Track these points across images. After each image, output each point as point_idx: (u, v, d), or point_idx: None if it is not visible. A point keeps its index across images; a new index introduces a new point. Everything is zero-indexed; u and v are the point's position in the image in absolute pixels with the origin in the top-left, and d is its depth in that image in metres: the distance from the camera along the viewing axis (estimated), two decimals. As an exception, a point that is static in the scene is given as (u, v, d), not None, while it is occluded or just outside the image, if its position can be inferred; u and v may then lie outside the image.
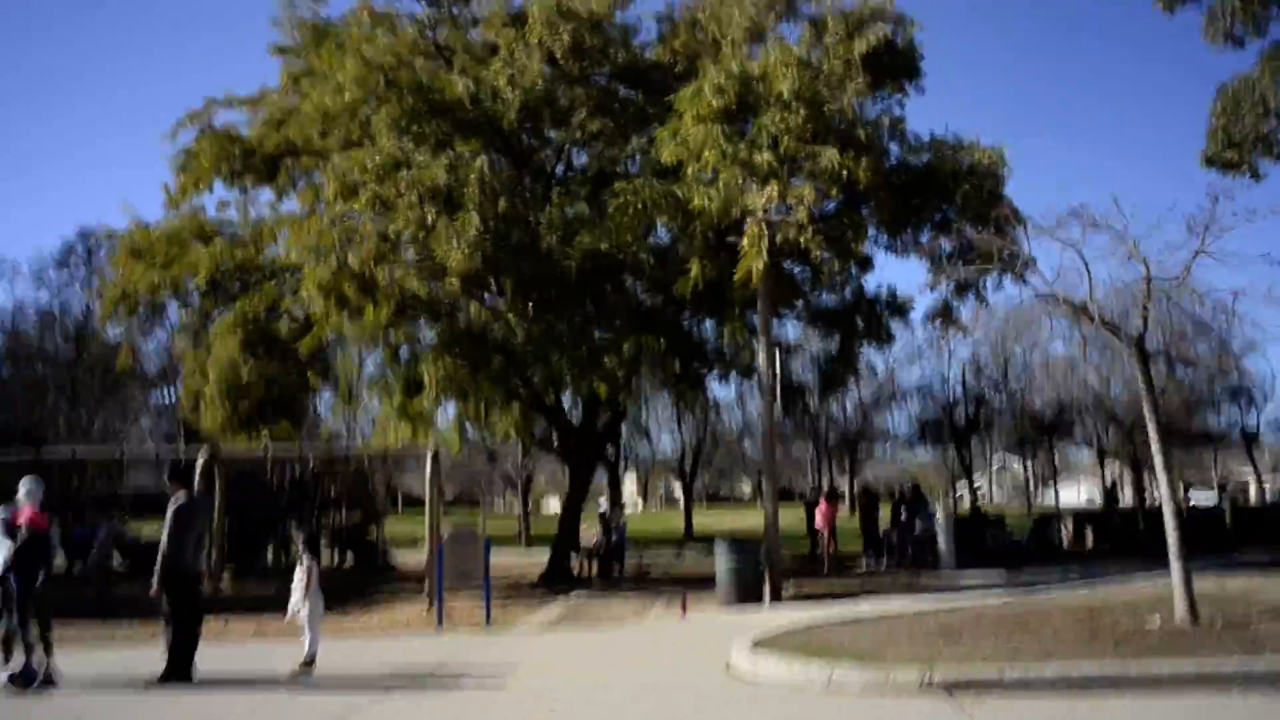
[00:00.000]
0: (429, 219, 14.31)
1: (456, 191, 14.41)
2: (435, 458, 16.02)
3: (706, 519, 39.56)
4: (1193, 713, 6.14)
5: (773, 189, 13.41)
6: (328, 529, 22.23)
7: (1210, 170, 16.68)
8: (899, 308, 19.25)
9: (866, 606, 11.74)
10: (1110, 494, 29.71)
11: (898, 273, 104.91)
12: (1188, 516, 24.69)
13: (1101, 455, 36.58)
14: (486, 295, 17.05)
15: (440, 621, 11.59)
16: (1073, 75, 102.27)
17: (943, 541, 17.22)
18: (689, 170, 14.44)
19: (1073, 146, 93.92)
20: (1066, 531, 23.15)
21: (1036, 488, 52.98)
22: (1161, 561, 16.71)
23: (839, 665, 7.33)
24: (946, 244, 15.85)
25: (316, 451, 20.39)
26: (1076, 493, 56.30)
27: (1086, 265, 8.89)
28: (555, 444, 21.41)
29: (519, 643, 10.61)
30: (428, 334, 17.61)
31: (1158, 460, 9.16)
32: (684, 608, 12.47)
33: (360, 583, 18.16)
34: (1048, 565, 17.49)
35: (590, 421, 20.24)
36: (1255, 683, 6.51)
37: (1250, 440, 38.55)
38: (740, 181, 13.82)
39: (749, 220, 13.59)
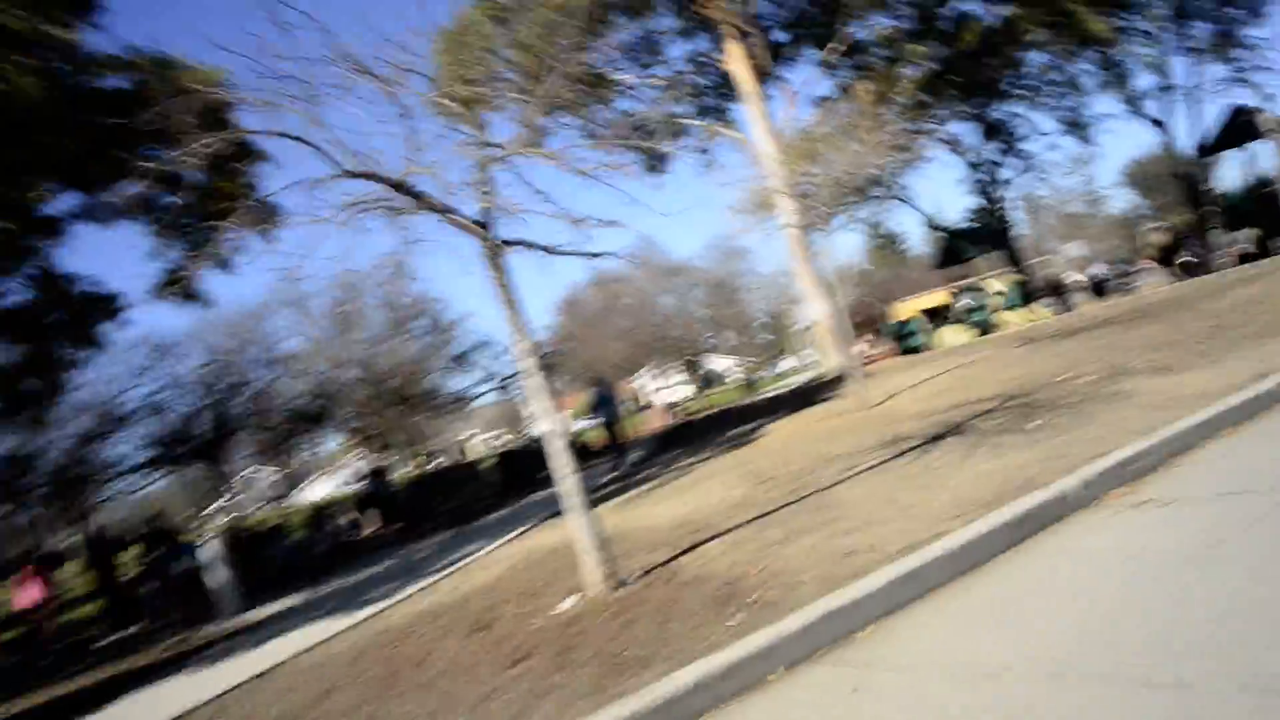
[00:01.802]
0: None
1: None
2: None
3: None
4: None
5: None
6: None
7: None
8: (109, 305, 14.55)
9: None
10: (379, 473, 28.20)
11: (102, 259, 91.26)
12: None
13: (361, 436, 35.41)
14: None
15: None
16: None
17: (217, 579, 13.17)
18: None
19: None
20: (350, 521, 20.86)
21: (289, 490, 50.50)
22: (470, 526, 15.70)
23: None
24: (173, 196, 11.98)
25: None
26: (332, 485, 55.43)
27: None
28: None
29: None
30: None
31: (537, 395, 6.64)
32: None
33: None
34: (354, 564, 14.64)
35: None
36: (794, 657, 4.24)
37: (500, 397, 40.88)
38: None
39: None
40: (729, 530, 7.10)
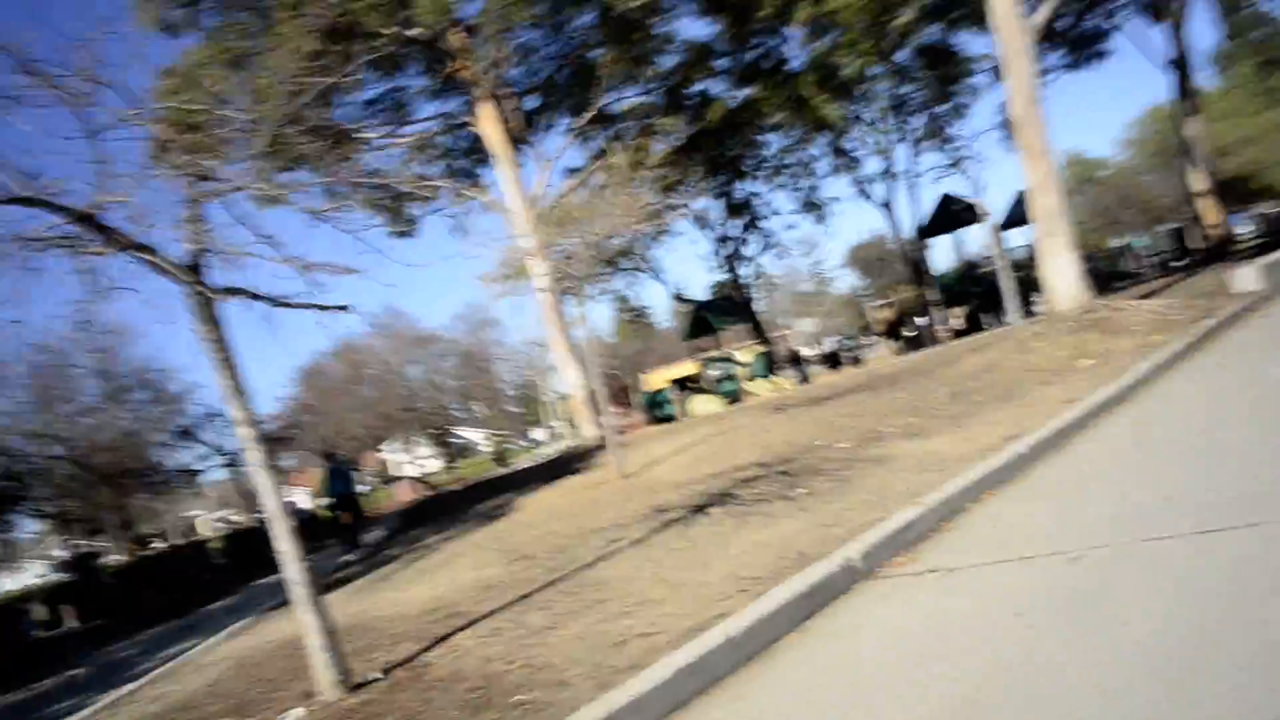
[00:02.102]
0: None
1: None
2: None
3: None
4: None
5: None
6: None
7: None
8: None
9: None
10: (83, 560, 25.02)
11: None
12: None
13: (63, 519, 31.44)
14: None
15: None
16: None
17: None
18: None
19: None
20: (45, 617, 18.17)
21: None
22: (190, 617, 13.96)
23: None
24: None
25: None
26: (26, 577, 49.02)
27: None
28: None
29: None
30: None
31: (258, 470, 5.67)
32: None
33: None
34: (44, 670, 12.55)
35: None
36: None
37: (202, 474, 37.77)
38: None
39: None
40: (484, 616, 6.37)
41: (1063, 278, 13.20)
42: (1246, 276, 13.54)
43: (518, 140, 22.19)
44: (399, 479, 50.82)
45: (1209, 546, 3.88)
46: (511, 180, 21.80)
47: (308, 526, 23.40)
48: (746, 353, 27.60)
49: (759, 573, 5.30)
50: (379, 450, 63.22)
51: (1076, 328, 11.90)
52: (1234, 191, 42.56)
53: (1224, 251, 23.79)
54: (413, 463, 63.59)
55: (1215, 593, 3.40)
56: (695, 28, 65.31)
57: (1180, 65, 24.24)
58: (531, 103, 24.20)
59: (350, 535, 17.09)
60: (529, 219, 19.61)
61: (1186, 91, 24.42)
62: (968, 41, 27.10)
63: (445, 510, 18.75)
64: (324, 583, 11.58)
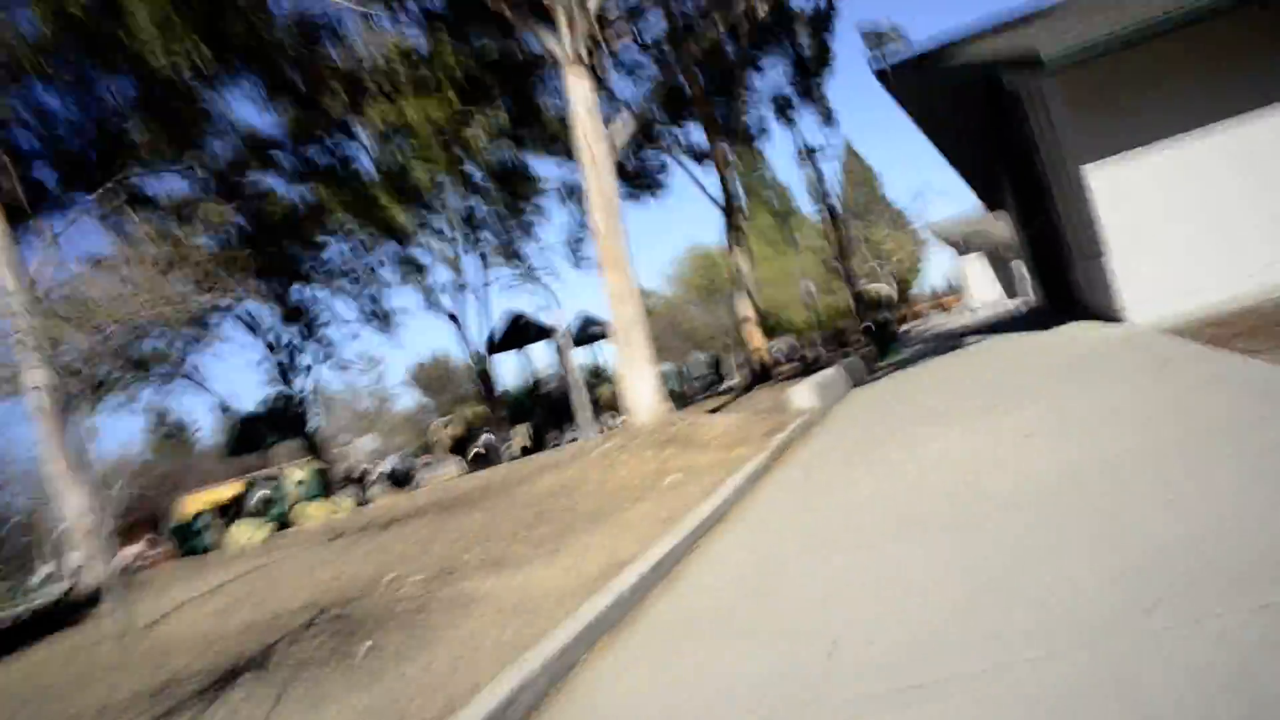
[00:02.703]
0: None
1: None
2: None
3: None
4: None
5: None
6: None
7: None
8: None
9: None
10: None
11: None
12: None
13: None
14: None
15: None
16: None
17: None
18: None
19: None
20: None
21: None
22: None
23: None
24: None
25: None
26: None
27: None
28: None
29: None
30: None
31: None
32: None
33: None
34: None
35: None
36: None
37: None
38: None
39: None
40: None
41: (642, 390, 12.87)
42: (802, 395, 14.14)
43: (19, 212, 18.34)
44: None
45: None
46: (5, 259, 17.83)
47: None
48: (299, 471, 24.98)
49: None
50: None
51: (657, 442, 11.46)
52: (762, 325, 47.79)
53: (769, 374, 25.73)
54: None
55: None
56: (254, 115, 61.56)
57: (728, 203, 26.39)
58: (44, 171, 20.38)
59: None
60: (25, 305, 15.99)
61: (735, 225, 26.57)
62: (539, 163, 27.55)
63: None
64: None
